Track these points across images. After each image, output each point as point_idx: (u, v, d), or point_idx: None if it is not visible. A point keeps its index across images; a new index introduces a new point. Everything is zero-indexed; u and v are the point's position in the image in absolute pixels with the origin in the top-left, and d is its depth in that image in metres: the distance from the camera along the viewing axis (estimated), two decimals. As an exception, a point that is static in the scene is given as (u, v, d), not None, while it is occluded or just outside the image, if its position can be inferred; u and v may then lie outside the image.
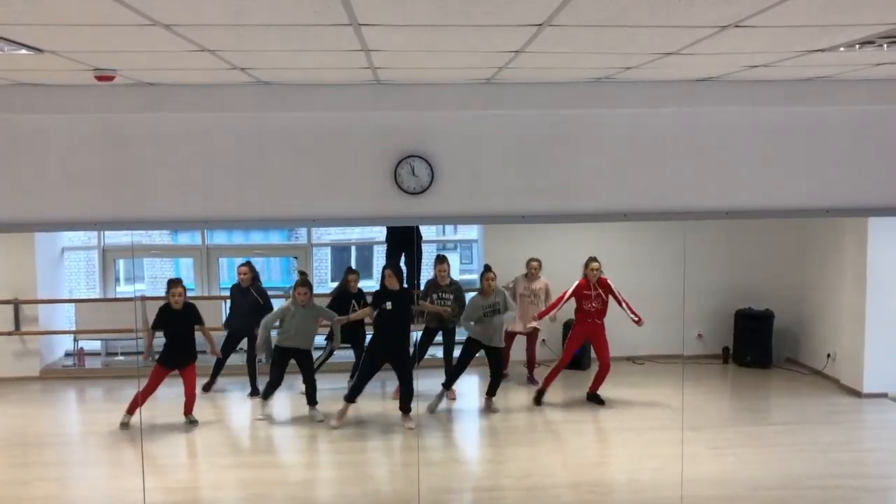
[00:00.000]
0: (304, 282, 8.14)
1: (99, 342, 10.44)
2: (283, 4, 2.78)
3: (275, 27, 3.20)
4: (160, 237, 12.25)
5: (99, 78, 4.42)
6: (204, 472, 7.17)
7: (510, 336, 9.03)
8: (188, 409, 8.13)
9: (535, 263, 9.21)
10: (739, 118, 5.30)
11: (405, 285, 8.11)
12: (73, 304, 10.77)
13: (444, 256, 8.82)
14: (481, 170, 5.24)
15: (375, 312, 7.80)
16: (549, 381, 8.57)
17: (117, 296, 10.96)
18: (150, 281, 15.60)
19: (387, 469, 7.24)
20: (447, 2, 2.76)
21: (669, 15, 3.03)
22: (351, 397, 7.89)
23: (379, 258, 12.85)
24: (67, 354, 10.58)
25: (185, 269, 11.32)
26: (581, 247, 9.67)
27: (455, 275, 9.02)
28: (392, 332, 7.78)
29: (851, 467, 6.91)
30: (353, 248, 15.71)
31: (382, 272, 7.92)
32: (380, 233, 11.02)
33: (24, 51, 3.59)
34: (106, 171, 5.07)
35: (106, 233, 10.40)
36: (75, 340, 10.34)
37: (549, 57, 4.01)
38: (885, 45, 3.71)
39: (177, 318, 7.99)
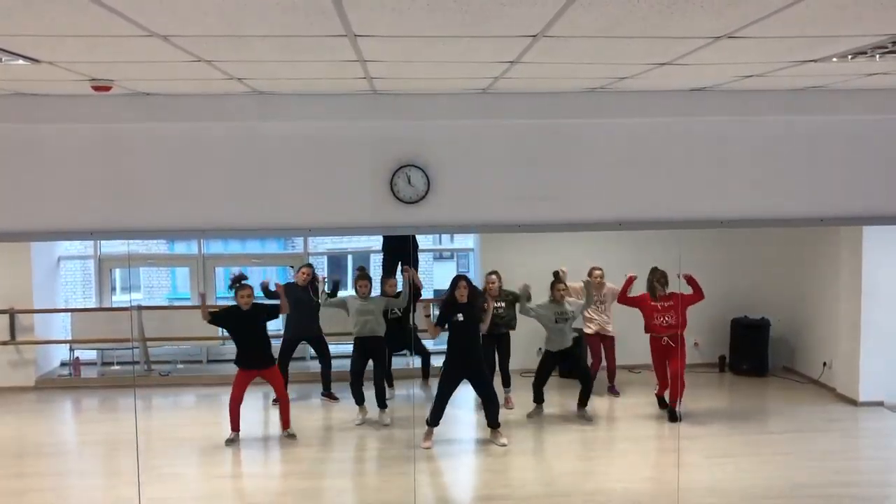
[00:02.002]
0: (364, 275, 8.41)
1: (95, 352, 10.43)
2: (280, 15, 2.79)
3: (271, 38, 3.22)
4: (156, 246, 12.28)
5: (96, 88, 4.43)
6: (202, 482, 7.14)
7: (594, 340, 9.10)
8: (285, 422, 7.96)
9: (598, 272, 8.96)
10: (734, 128, 5.33)
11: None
12: (69, 313, 10.76)
13: (494, 271, 8.64)
14: (477, 179, 5.25)
15: (442, 325, 7.59)
16: (674, 398, 8.33)
17: (113, 305, 10.96)
18: (147, 290, 15.63)
19: (384, 478, 7.23)
20: (443, 13, 2.78)
21: (662, 26, 3.05)
22: (433, 421, 7.65)
23: (375, 267, 12.87)
24: (63, 364, 10.57)
25: (182, 278, 11.33)
26: (576, 255, 9.68)
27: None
28: (465, 346, 7.57)
29: (847, 476, 6.91)
30: (350, 257, 15.73)
31: (454, 282, 7.64)
32: (376, 242, 11.04)
33: (21, 61, 3.60)
34: (102, 180, 5.08)
35: (102, 242, 10.41)
36: (71, 350, 10.34)
37: (545, 67, 4.03)
38: (878, 56, 3.73)
39: (244, 319, 7.76)
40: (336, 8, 2.67)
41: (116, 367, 10.38)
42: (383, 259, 9.79)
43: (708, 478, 6.79)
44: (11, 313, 9.91)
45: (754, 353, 10.06)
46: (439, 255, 17.21)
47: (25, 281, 9.98)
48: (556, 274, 8.40)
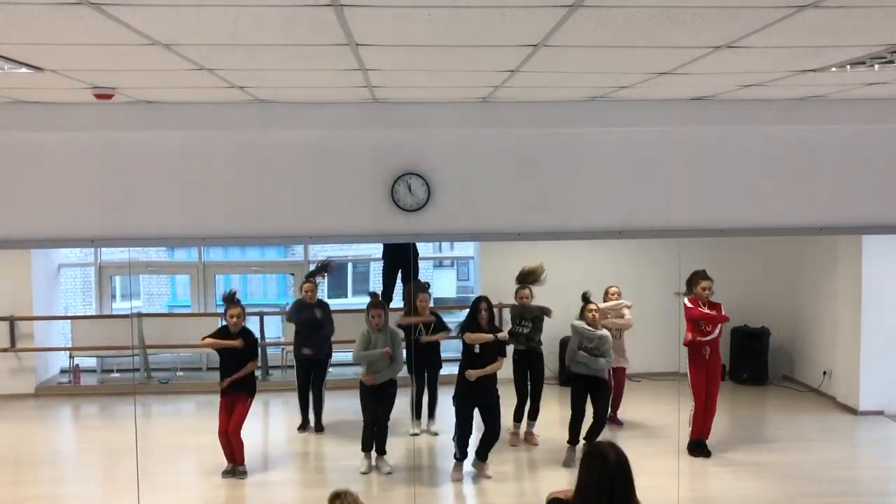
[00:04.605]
0: (377, 303, 7.39)
1: (95, 359, 10.42)
2: (282, 24, 2.81)
3: (273, 46, 3.23)
4: (156, 254, 12.29)
5: (98, 96, 4.46)
6: (201, 490, 7.13)
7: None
8: (239, 458, 7.14)
9: (614, 290, 8.36)
10: (733, 137, 5.34)
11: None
12: (68, 320, 10.76)
13: (526, 284, 7.98)
14: (477, 187, 5.27)
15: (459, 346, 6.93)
16: (698, 429, 7.54)
17: (113, 312, 10.95)
18: (147, 297, 15.62)
19: None
20: (443, 22, 2.80)
21: (661, 36, 3.07)
22: (462, 454, 7.05)
23: (376, 275, 12.88)
24: (63, 371, 10.56)
25: (182, 286, 11.32)
26: (576, 264, 9.69)
27: (452, 292, 8.95)
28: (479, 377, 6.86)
29: (847, 485, 6.89)
30: (350, 265, 15.75)
31: (475, 305, 7.03)
32: (376, 249, 11.05)
33: (24, 69, 3.62)
34: (103, 188, 5.09)
35: (102, 249, 10.41)
36: (71, 357, 10.32)
37: (545, 76, 4.05)
38: (876, 66, 3.75)
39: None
40: (337, 17, 2.69)
41: (116, 375, 10.36)
42: (383, 267, 9.80)
43: (708, 487, 6.78)
44: (11, 320, 9.90)
45: (754, 361, 10.05)
46: (439, 263, 17.21)
47: (25, 288, 9.97)
48: (585, 297, 7.58)
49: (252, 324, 9.53)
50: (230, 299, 7.22)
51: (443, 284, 16.62)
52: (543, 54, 3.40)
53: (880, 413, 8.69)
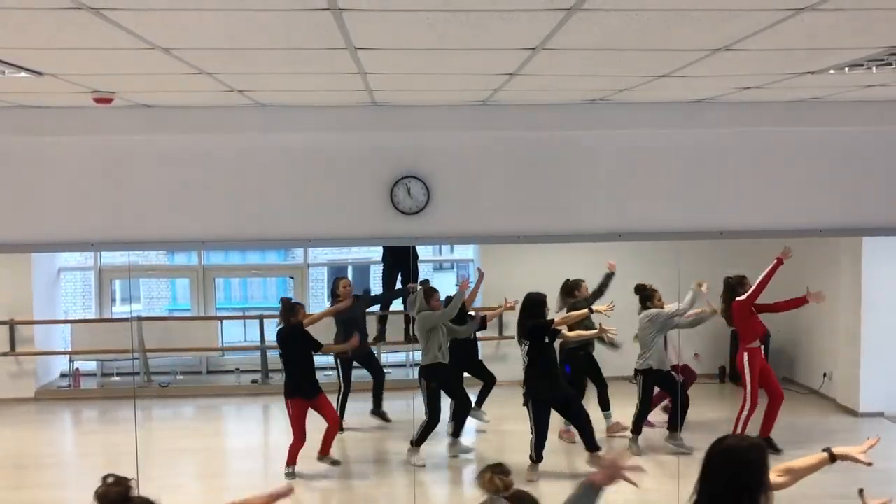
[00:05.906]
0: (433, 288, 7.55)
1: (95, 363, 10.40)
2: (281, 28, 2.82)
3: (272, 50, 3.24)
4: (156, 257, 12.29)
5: (97, 100, 4.46)
6: (201, 493, 7.12)
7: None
8: (325, 447, 7.16)
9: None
10: (733, 139, 5.35)
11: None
12: (69, 324, 10.75)
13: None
14: (477, 190, 5.27)
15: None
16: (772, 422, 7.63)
17: (113, 316, 10.95)
18: (147, 301, 15.63)
19: None
20: (442, 26, 2.80)
21: (660, 39, 3.08)
22: (538, 456, 6.95)
23: (375, 278, 12.88)
24: (63, 375, 10.54)
25: (182, 289, 11.32)
26: (576, 267, 9.67)
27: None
28: (550, 370, 6.81)
29: (847, 488, 6.84)
30: (350, 268, 15.75)
31: (541, 301, 6.81)
32: (376, 252, 11.05)
33: (24, 73, 3.63)
34: (103, 192, 5.10)
35: (102, 253, 10.41)
36: (71, 361, 10.31)
37: (544, 79, 4.06)
38: (874, 68, 3.76)
39: (292, 341, 7.10)
40: (336, 21, 2.69)
41: (116, 379, 10.35)
42: (383, 270, 9.80)
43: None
44: (11, 324, 9.89)
45: (754, 363, 10.04)
46: (439, 266, 17.24)
47: (26, 292, 9.96)
48: (641, 286, 7.59)
49: (252, 327, 9.55)
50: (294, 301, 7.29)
51: (443, 287, 16.66)
52: (542, 57, 3.40)
53: (880, 415, 8.68)
